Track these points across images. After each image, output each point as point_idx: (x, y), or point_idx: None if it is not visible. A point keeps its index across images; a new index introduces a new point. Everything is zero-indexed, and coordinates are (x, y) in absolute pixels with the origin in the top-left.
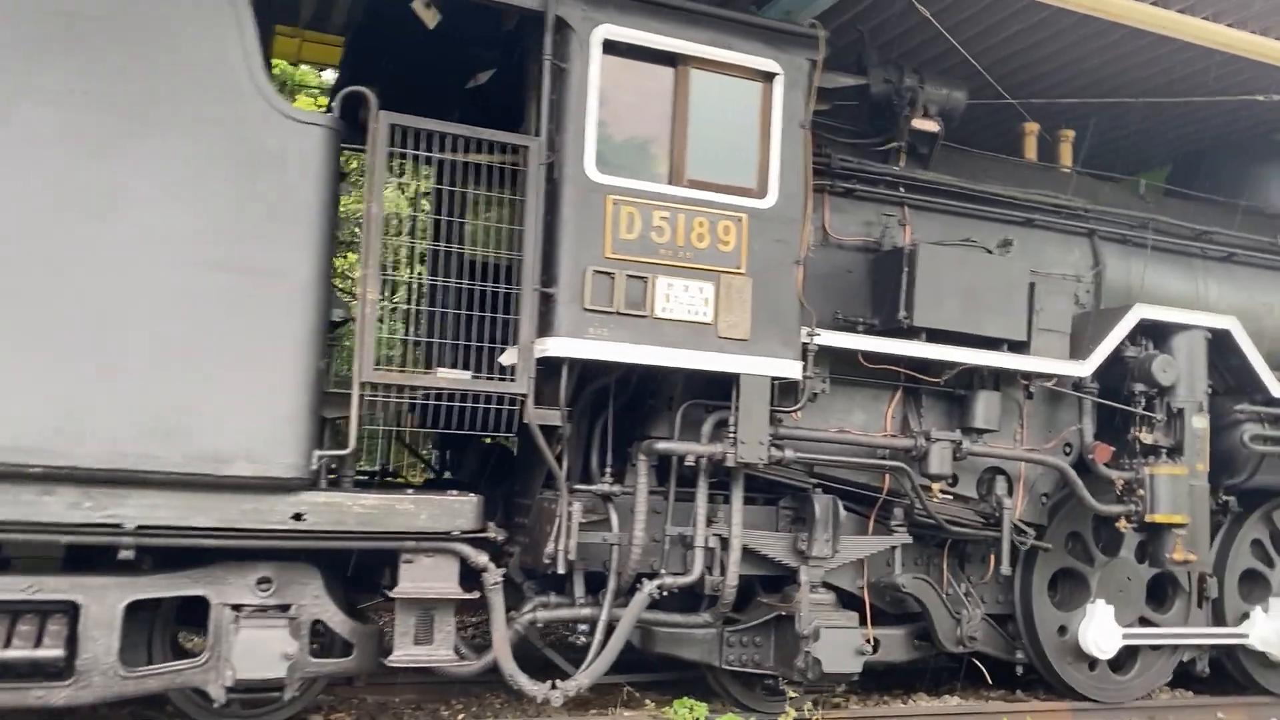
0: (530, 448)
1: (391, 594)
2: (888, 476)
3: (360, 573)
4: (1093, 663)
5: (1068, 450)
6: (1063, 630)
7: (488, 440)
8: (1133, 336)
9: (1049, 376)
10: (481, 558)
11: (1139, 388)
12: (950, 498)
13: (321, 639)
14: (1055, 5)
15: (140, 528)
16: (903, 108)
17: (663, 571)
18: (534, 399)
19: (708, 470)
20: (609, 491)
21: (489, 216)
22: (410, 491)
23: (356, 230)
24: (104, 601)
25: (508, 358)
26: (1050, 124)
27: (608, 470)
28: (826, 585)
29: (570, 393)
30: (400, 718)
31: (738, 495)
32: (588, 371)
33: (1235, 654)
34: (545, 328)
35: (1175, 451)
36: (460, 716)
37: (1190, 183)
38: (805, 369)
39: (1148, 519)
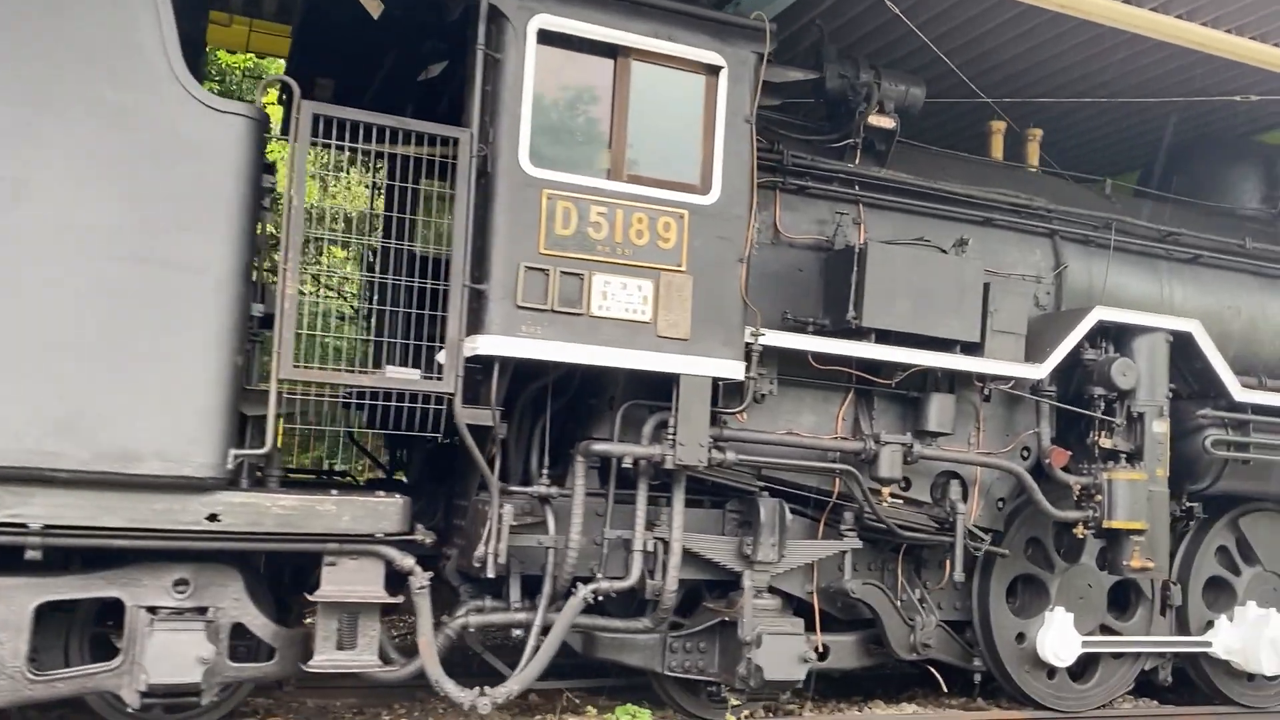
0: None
1: (312, 597)
2: (838, 480)
3: (301, 575)
4: (1051, 671)
5: (1026, 455)
6: (1021, 638)
7: (442, 440)
8: (1093, 339)
9: (1005, 379)
10: (407, 561)
11: (1098, 391)
12: (901, 502)
13: (248, 642)
14: (1026, 3)
15: (47, 527)
16: (858, 104)
17: (598, 576)
18: (463, 398)
19: (648, 472)
20: (546, 493)
21: (428, 211)
22: (334, 492)
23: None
24: (11, 603)
25: (443, 356)
26: (1024, 124)
27: (545, 472)
28: (774, 590)
29: (505, 392)
30: None
31: (678, 498)
32: (526, 370)
33: (1199, 663)
34: (477, 325)
35: (1135, 457)
36: None
37: (1163, 184)
38: (749, 370)
39: (1105, 525)
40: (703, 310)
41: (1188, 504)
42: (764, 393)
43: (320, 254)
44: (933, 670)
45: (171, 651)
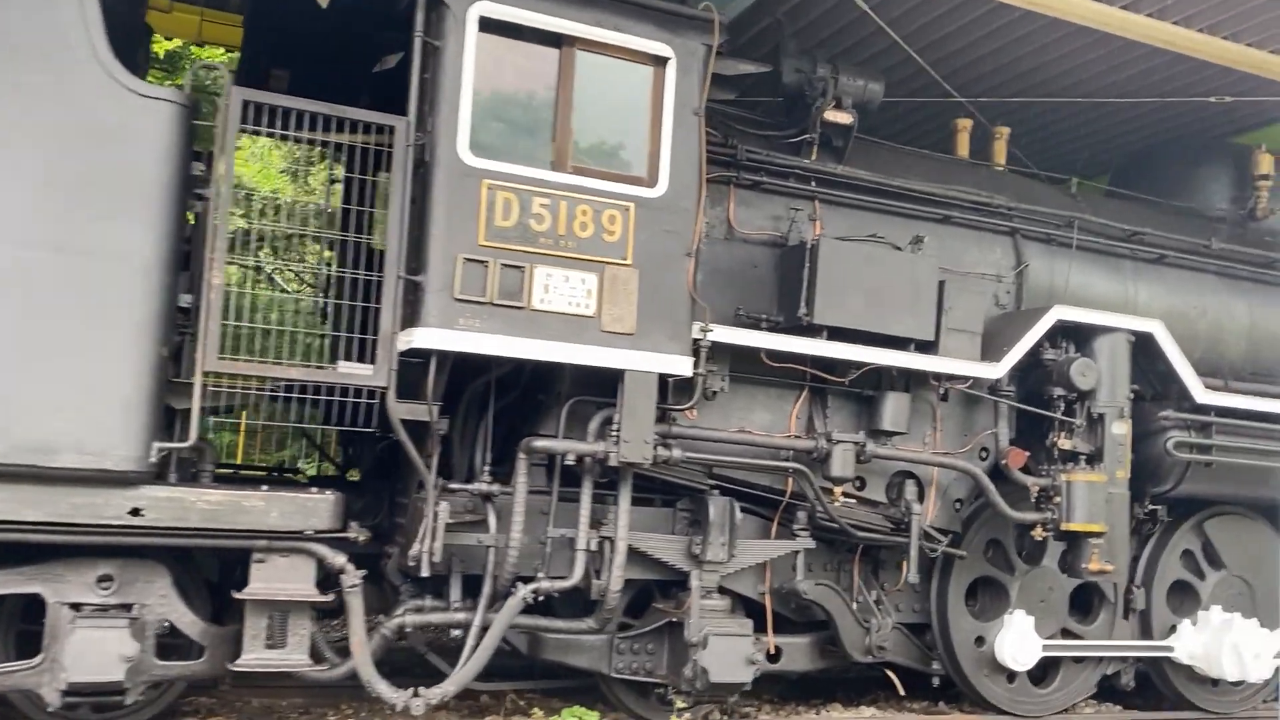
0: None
1: (238, 595)
2: (790, 479)
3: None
4: (1011, 675)
5: (984, 455)
6: (980, 641)
7: (378, 436)
8: (1053, 339)
9: (961, 378)
10: (339, 559)
11: (1058, 392)
12: (855, 502)
13: (183, 640)
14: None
15: None
16: (815, 99)
17: (539, 575)
18: (406, 393)
19: (593, 470)
20: (488, 491)
21: (384, 204)
22: (265, 488)
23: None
24: None
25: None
26: (996, 124)
27: (487, 469)
28: (725, 591)
29: (445, 387)
30: None
31: (624, 496)
32: (471, 365)
33: (1162, 668)
34: (414, 318)
35: (1095, 458)
36: None
37: (1133, 184)
38: (698, 366)
39: (1063, 527)
40: (649, 305)
41: (1151, 507)
42: (715, 390)
43: (260, 246)
44: (889, 673)
45: (93, 649)
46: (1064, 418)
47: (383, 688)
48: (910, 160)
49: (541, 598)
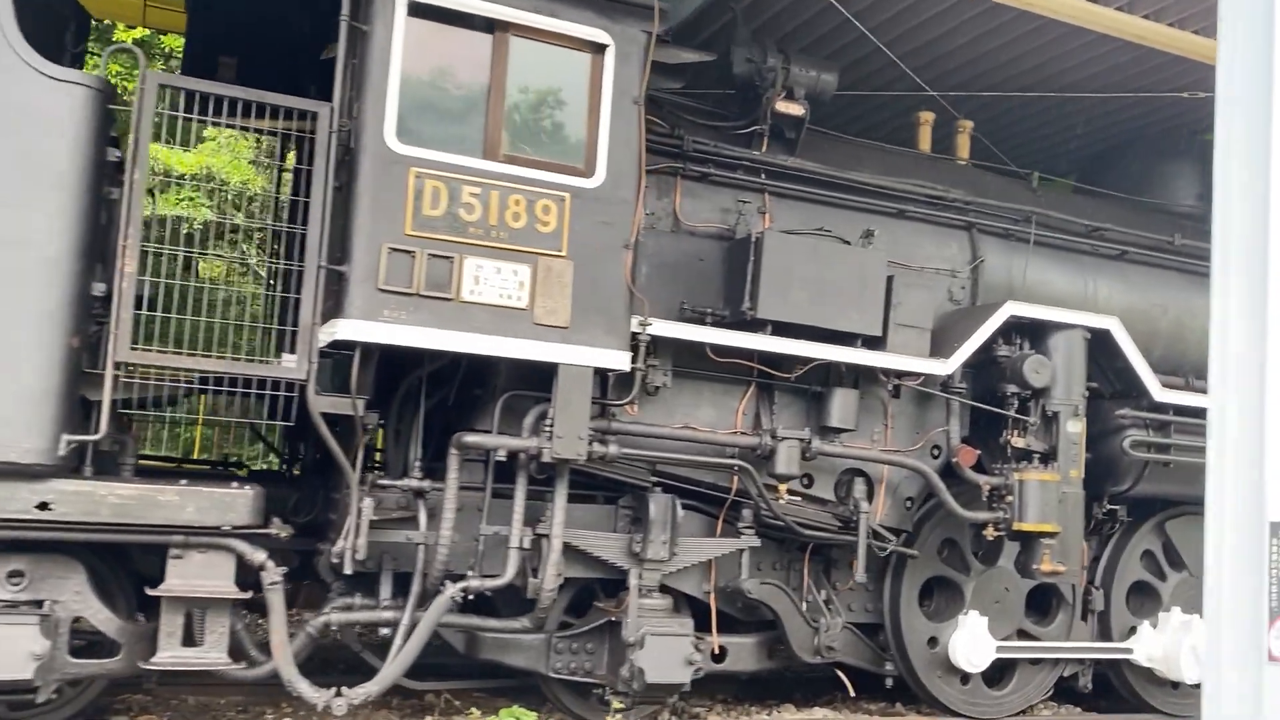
0: (343, 437)
1: (152, 592)
2: (735, 476)
3: None
4: (965, 676)
5: (936, 453)
6: (933, 642)
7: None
8: (1008, 335)
9: (911, 374)
10: (259, 555)
11: (1011, 389)
12: (801, 499)
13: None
14: None
15: None
16: (765, 89)
17: (470, 573)
18: (334, 386)
19: (527, 466)
20: (419, 487)
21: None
22: (184, 482)
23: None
24: None
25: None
26: (964, 118)
27: (417, 464)
28: (668, 590)
29: (371, 380)
30: None
31: (560, 492)
32: (404, 358)
33: (1121, 670)
34: (337, 309)
35: (1049, 457)
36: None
37: (1101, 179)
38: (637, 360)
39: (1015, 527)
40: (584, 297)
41: (1110, 506)
42: (657, 385)
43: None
44: (840, 674)
45: (2, 647)
46: (1017, 415)
47: (304, 687)
48: (866, 153)
49: (473, 596)
